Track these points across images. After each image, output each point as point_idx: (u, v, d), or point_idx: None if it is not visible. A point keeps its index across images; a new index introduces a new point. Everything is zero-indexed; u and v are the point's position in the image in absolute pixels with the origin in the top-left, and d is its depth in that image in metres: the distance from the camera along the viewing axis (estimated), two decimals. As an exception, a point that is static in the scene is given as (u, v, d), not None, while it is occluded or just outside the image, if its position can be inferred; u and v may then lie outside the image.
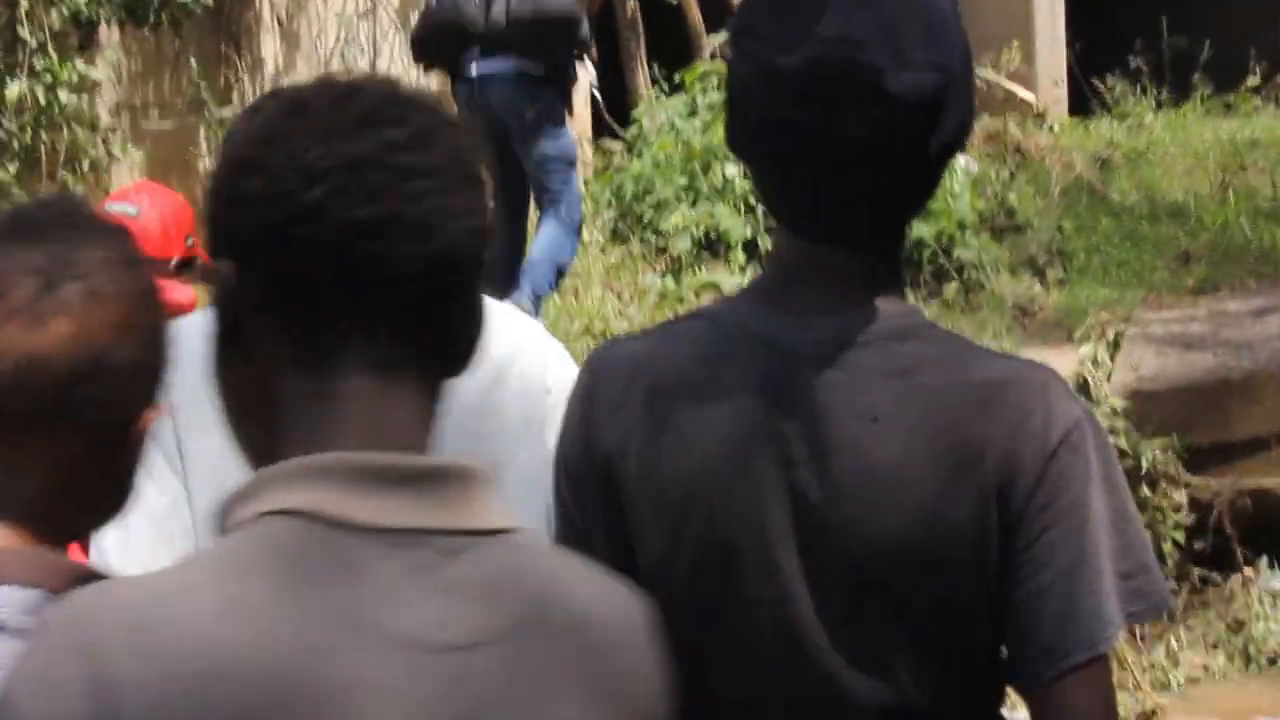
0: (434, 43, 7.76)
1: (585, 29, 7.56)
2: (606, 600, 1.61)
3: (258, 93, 9.77)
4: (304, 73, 9.98)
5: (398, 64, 10.31)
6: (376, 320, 1.53)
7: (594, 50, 7.90)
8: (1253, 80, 12.23)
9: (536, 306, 7.52)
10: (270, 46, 10.09)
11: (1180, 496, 7.33)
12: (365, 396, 1.53)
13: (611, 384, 2.02)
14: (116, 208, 4.33)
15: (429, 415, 1.58)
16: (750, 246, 8.71)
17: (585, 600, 1.59)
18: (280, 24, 10.10)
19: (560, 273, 7.83)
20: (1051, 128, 11.40)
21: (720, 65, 9.83)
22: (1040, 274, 8.97)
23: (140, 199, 4.53)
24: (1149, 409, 7.43)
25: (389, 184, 1.51)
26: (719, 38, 9.90)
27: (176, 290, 4.12)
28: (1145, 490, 7.18)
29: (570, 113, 7.98)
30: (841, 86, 1.87)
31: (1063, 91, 12.84)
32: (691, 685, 1.83)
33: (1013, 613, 1.90)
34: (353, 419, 1.52)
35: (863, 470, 1.89)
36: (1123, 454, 7.02)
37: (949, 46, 1.94)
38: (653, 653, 1.63)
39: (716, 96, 9.60)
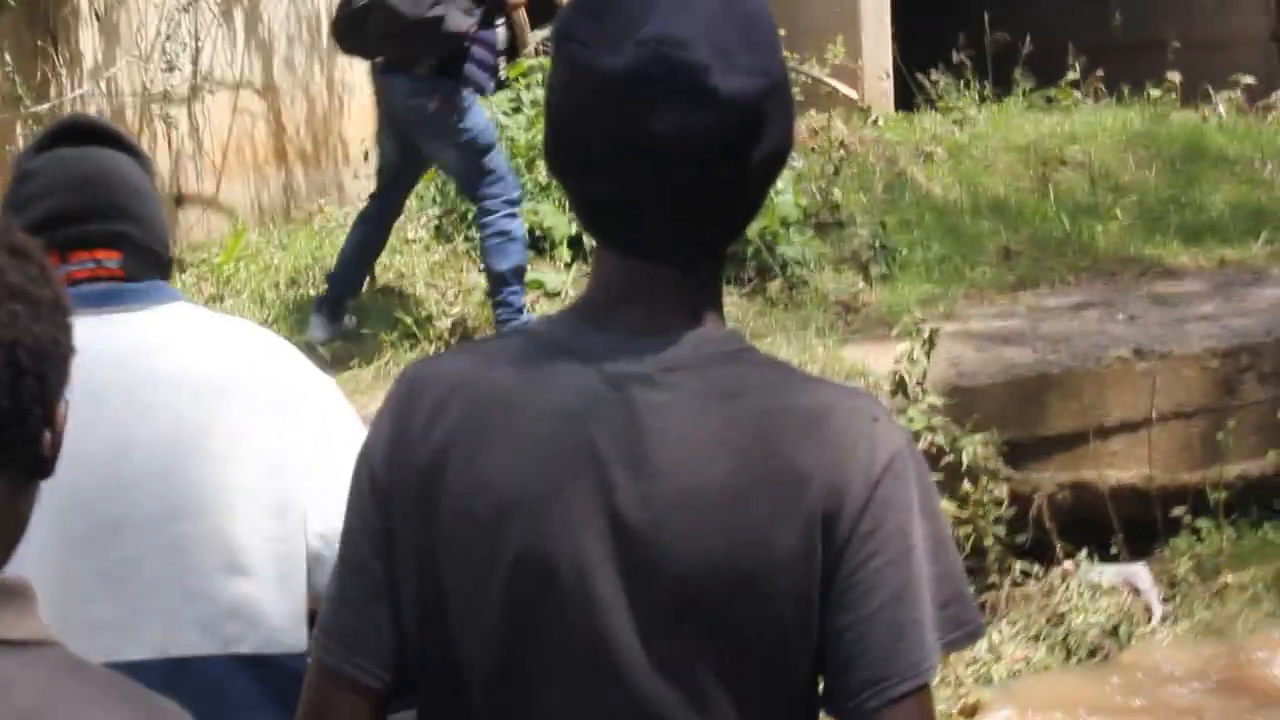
0: (342, 33, 7.72)
1: (459, 21, 7.34)
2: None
3: (76, 87, 9.55)
4: (123, 67, 9.76)
5: (221, 57, 10.12)
6: None
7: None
8: (1072, 75, 12.36)
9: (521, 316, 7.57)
10: (89, 40, 9.83)
11: (1001, 491, 7.34)
12: None
13: (427, 401, 1.96)
14: None
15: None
16: (575, 243, 8.60)
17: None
18: (99, 17, 9.85)
19: (519, 273, 7.72)
20: (876, 122, 11.40)
21: (545, 61, 9.73)
22: (864, 270, 8.95)
23: None
24: (969, 404, 7.43)
25: None
26: (543, 33, 9.79)
27: None
28: (967, 485, 7.20)
29: (483, 90, 7.86)
30: (665, 86, 1.82)
31: (888, 85, 12.87)
32: (508, 709, 1.88)
33: (836, 641, 1.88)
34: None
35: (687, 494, 1.87)
36: (942, 450, 7.05)
37: (772, 52, 1.91)
38: None
39: (541, 93, 9.50)
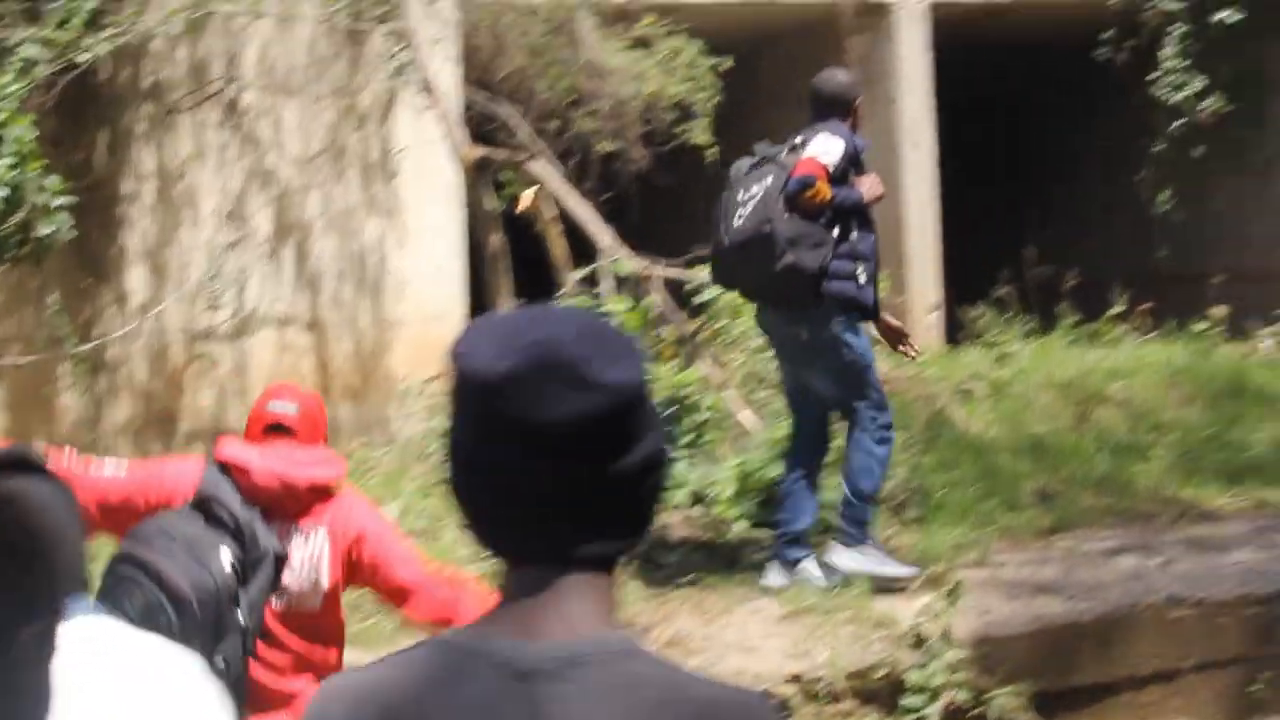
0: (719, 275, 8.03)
1: (809, 260, 7.39)
2: None
3: (123, 325, 9.57)
4: (171, 306, 9.79)
5: (267, 293, 10.14)
6: None
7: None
8: (1117, 308, 12.26)
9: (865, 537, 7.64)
10: (137, 279, 9.88)
11: (1033, 742, 7.11)
12: None
13: (339, 715, 2.06)
14: (276, 406, 5.02)
15: None
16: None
17: None
18: (148, 256, 9.91)
19: (875, 496, 7.82)
20: (918, 358, 11.26)
21: (584, 299, 9.69)
22: (898, 512, 8.76)
23: (293, 398, 5.14)
24: (999, 654, 7.25)
25: None
26: (580, 272, 9.81)
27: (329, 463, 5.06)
28: (999, 736, 6.99)
29: (854, 305, 7.65)
30: (549, 376, 1.99)
31: (934, 319, 12.79)
32: None
33: None
34: None
35: None
36: (962, 709, 6.85)
37: (637, 361, 2.06)
38: None
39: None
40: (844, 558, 7.64)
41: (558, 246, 10.15)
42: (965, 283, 12.72)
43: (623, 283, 9.89)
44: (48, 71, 8.62)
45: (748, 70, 12.35)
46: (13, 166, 8.08)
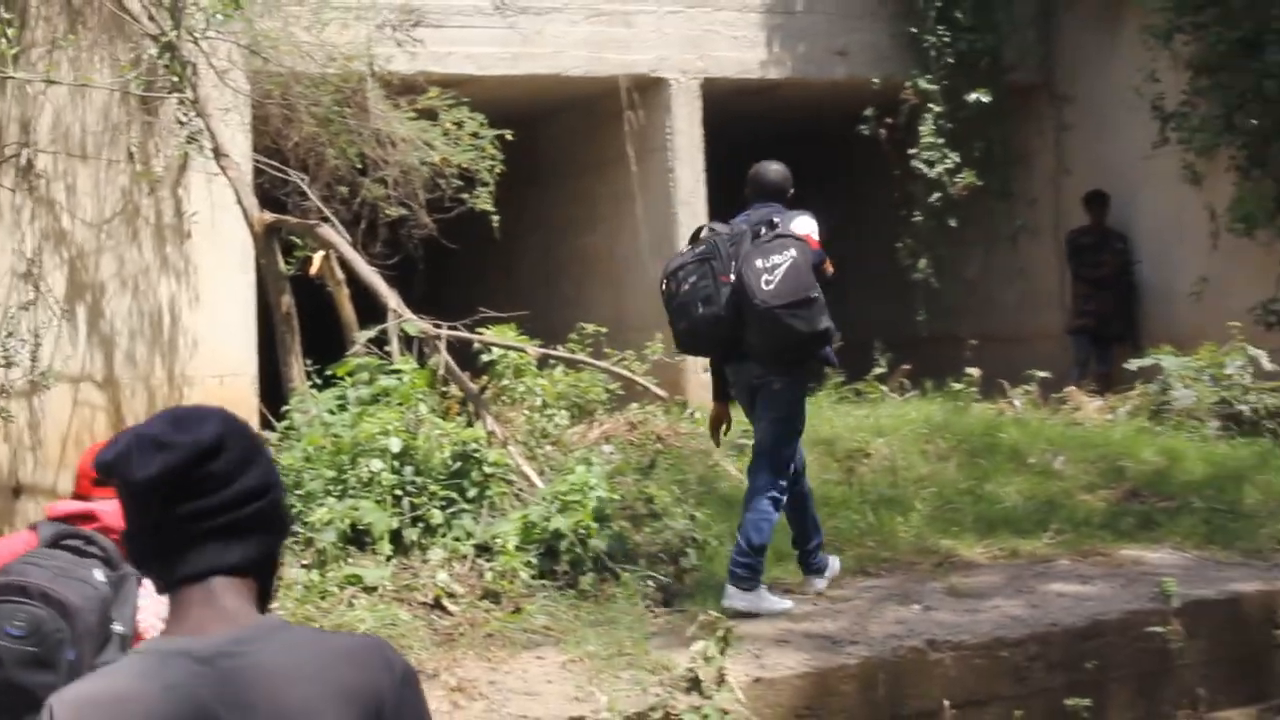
0: (694, 342, 8.77)
1: (827, 323, 8.27)
2: None
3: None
4: (-35, 363, 9.72)
5: (62, 351, 10.09)
6: None
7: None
8: (879, 369, 12.62)
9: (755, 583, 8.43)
10: (-74, 338, 9.80)
11: (801, 779, 7.31)
12: None
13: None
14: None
15: None
16: (395, 538, 8.59)
17: None
18: (-63, 315, 9.83)
19: (764, 550, 8.52)
20: (694, 415, 11.53)
21: (371, 360, 9.81)
22: (675, 562, 8.97)
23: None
24: (771, 696, 7.42)
25: None
26: (368, 333, 9.91)
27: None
28: (767, 775, 7.18)
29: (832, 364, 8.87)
30: (139, 445, 2.76)
31: (707, 377, 13.05)
32: None
33: None
34: None
35: (279, 713, 2.65)
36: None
37: (214, 433, 2.77)
38: None
39: (366, 391, 9.56)
40: (738, 600, 8.34)
41: (346, 308, 10.26)
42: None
43: (410, 343, 10.01)
44: None
45: (529, 141, 12.57)
46: None
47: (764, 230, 8.38)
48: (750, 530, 8.37)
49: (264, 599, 2.81)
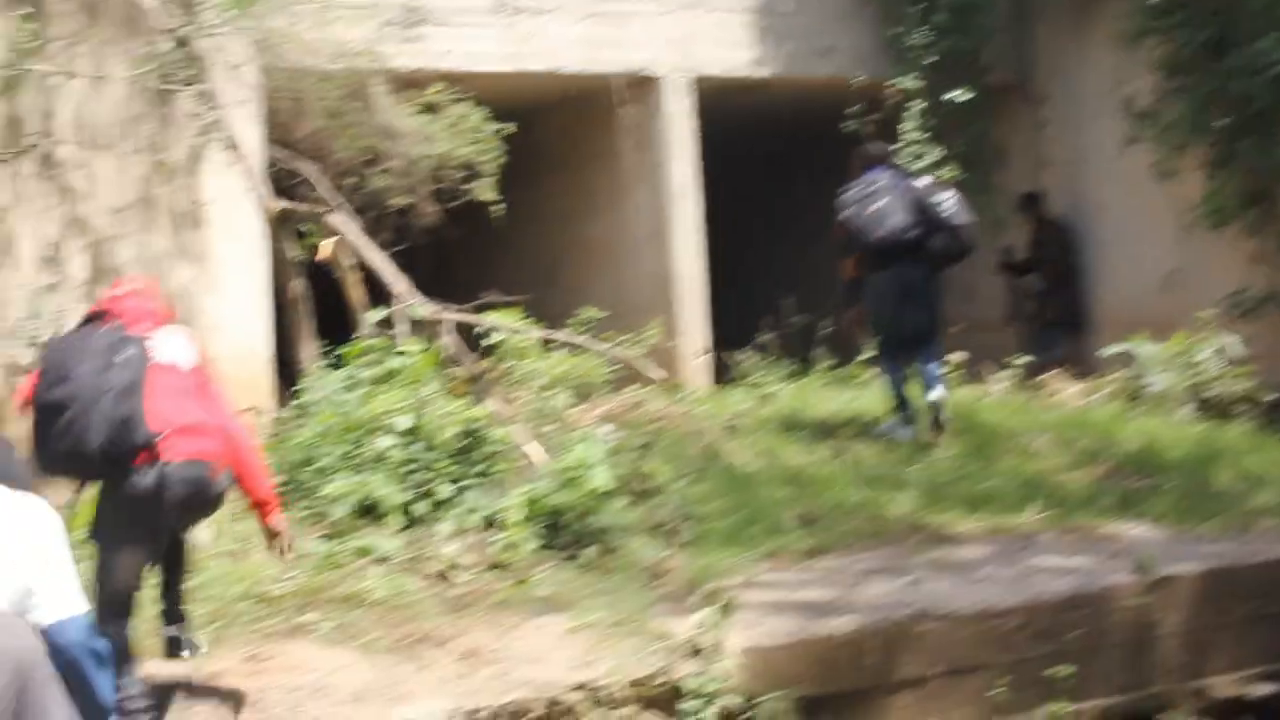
0: (900, 249, 11.07)
1: None
2: None
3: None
4: (-12, 343, 9.61)
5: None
6: None
7: None
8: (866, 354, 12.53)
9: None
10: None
11: (799, 746, 7.23)
12: None
13: None
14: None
15: None
16: (406, 511, 8.49)
17: None
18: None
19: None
20: (689, 397, 11.44)
21: (381, 342, 9.70)
22: (671, 537, 8.86)
23: None
24: (767, 663, 7.33)
25: None
26: (377, 315, 9.81)
27: None
28: (764, 740, 7.09)
29: None
30: None
31: (703, 363, 12.98)
32: None
33: None
34: None
35: None
36: (734, 713, 6.97)
37: None
38: None
39: (375, 371, 9.45)
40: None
41: (355, 293, 10.15)
42: (734, 330, 12.93)
43: (417, 326, 9.91)
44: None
45: (529, 134, 12.46)
46: None
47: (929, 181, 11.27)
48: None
49: None
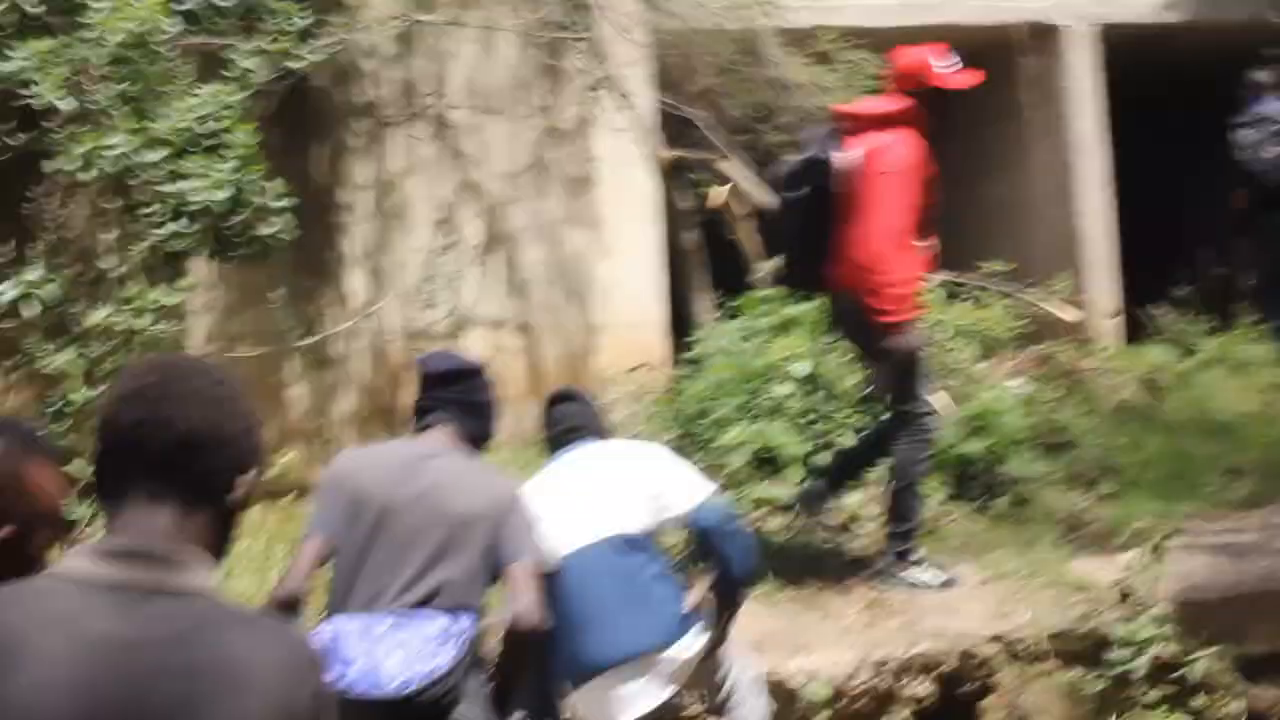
0: None
1: None
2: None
3: (344, 323, 9.37)
4: (391, 305, 9.56)
5: (479, 297, 9.87)
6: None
7: None
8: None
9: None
10: (356, 280, 9.66)
11: (1238, 705, 6.51)
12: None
13: None
14: None
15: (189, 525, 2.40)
16: (805, 461, 8.04)
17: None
18: (365, 259, 9.68)
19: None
20: (1102, 352, 10.71)
21: (773, 291, 9.27)
22: (1090, 488, 8.21)
23: None
24: (1201, 617, 6.65)
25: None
26: (770, 265, 9.40)
27: None
28: (1203, 698, 6.40)
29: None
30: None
31: (1115, 321, 12.20)
32: None
33: None
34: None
35: None
36: (1169, 664, 6.30)
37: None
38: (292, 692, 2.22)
39: (769, 322, 9.02)
40: None
41: (748, 242, 9.76)
42: (1145, 284, 12.13)
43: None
44: (263, 79, 8.37)
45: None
46: (236, 170, 7.83)
47: None
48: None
49: None
